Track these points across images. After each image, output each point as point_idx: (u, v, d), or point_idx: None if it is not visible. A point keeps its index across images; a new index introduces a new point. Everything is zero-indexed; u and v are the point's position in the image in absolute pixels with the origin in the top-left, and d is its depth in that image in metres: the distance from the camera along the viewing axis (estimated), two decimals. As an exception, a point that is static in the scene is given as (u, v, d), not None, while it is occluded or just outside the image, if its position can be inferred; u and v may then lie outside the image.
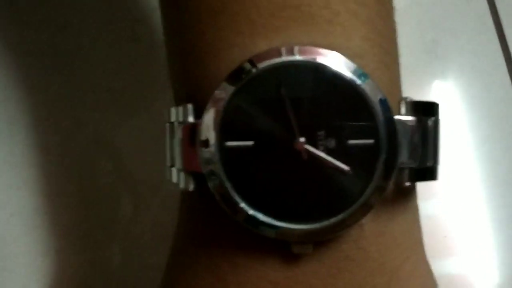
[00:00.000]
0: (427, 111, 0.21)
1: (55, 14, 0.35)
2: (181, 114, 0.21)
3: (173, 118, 0.22)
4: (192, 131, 0.20)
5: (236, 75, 0.20)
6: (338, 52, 0.20)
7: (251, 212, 0.20)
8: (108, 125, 0.34)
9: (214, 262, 0.21)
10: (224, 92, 0.20)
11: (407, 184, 0.20)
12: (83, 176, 0.33)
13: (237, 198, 0.20)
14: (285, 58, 0.20)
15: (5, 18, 0.34)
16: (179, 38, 0.22)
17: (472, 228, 0.34)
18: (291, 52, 0.20)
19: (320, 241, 0.20)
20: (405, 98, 0.20)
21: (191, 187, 0.20)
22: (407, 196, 0.22)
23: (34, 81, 0.34)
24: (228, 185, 0.20)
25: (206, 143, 0.20)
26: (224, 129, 0.20)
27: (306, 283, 0.20)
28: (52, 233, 0.32)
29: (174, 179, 0.22)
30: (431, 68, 0.37)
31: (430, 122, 0.21)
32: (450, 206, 0.34)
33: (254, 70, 0.20)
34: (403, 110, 0.20)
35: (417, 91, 0.36)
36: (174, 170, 0.22)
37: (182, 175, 0.21)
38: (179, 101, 0.22)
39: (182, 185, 0.21)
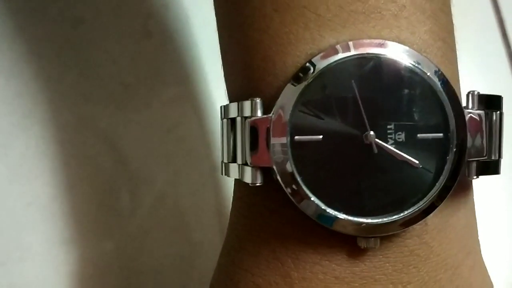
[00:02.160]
0: (493, 104, 0.21)
1: (70, 10, 0.35)
2: (247, 109, 0.20)
3: (233, 114, 0.21)
4: (261, 126, 0.20)
5: (304, 72, 0.20)
6: (404, 45, 0.20)
7: (320, 205, 0.19)
8: (116, 119, 0.35)
9: (277, 258, 0.21)
10: (293, 88, 0.20)
11: (474, 177, 0.20)
12: (90, 169, 0.34)
13: (307, 191, 0.20)
14: (351, 53, 0.19)
15: (21, 13, 0.34)
16: (240, 35, 0.21)
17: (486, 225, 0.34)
18: (358, 47, 0.20)
19: (385, 236, 0.20)
20: (473, 92, 0.21)
21: (259, 181, 0.20)
22: (467, 191, 0.22)
23: (49, 75, 0.34)
24: (298, 178, 0.20)
25: (278, 138, 0.19)
26: (294, 124, 0.20)
27: (371, 278, 0.20)
28: (68, 222, 0.33)
29: (234, 174, 0.21)
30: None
31: (495, 115, 0.21)
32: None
33: (321, 67, 0.19)
34: (470, 103, 0.20)
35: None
36: (234, 166, 0.21)
37: (247, 169, 0.20)
38: (240, 97, 0.21)
39: (247, 179, 0.20)
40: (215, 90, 0.36)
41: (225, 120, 0.22)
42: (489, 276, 0.23)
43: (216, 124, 0.36)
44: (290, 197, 0.20)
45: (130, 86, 0.35)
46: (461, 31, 0.38)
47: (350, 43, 0.20)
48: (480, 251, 0.23)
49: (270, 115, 0.20)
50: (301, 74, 0.20)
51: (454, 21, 0.38)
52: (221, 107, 0.23)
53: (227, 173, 0.22)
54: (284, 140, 0.20)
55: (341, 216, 0.20)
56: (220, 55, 0.23)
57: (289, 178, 0.20)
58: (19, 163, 0.33)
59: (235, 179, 0.23)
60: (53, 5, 0.34)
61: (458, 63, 0.22)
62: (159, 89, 0.35)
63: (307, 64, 0.20)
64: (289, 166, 0.20)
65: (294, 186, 0.20)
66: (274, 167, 0.20)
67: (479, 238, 0.23)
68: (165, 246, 0.33)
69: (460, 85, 0.22)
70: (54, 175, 0.33)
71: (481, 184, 0.25)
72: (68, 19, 0.35)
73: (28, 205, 0.32)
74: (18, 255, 0.31)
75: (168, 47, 0.36)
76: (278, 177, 0.20)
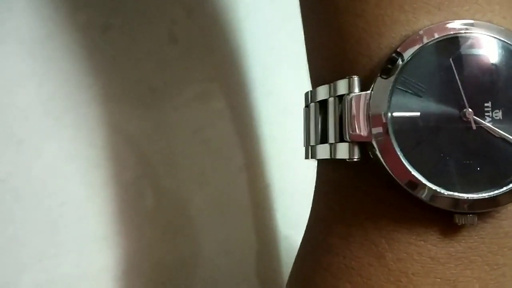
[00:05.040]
0: None
1: (98, 17, 0.36)
2: (343, 87, 0.21)
3: (323, 96, 0.22)
4: (361, 101, 0.20)
5: (400, 53, 0.20)
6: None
7: (420, 179, 0.19)
8: (144, 121, 0.36)
9: (370, 239, 0.20)
10: (390, 68, 0.20)
11: None
12: (119, 169, 0.35)
13: (407, 165, 0.19)
14: (447, 32, 0.20)
15: (52, 21, 0.35)
16: (332, 19, 0.22)
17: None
18: (453, 27, 0.20)
19: (482, 213, 0.20)
20: None
21: (356, 156, 0.20)
22: None
23: (79, 80, 0.35)
24: (398, 152, 0.20)
25: (378, 113, 0.19)
26: (393, 101, 0.20)
27: (466, 259, 0.20)
28: (100, 221, 0.34)
29: (325, 155, 0.22)
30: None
31: None
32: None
33: (420, 45, 0.20)
34: None
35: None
36: (323, 146, 0.22)
37: (343, 146, 0.20)
38: (330, 80, 0.22)
39: (343, 155, 0.20)
40: (241, 93, 0.37)
41: (312, 104, 0.22)
42: None
43: (240, 126, 0.36)
44: (389, 170, 0.20)
45: (157, 90, 0.36)
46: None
47: (445, 24, 0.20)
48: None
49: (369, 91, 0.20)
50: (397, 55, 0.20)
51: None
52: (306, 93, 0.23)
53: (314, 156, 0.22)
54: (385, 115, 0.19)
55: (440, 191, 0.19)
56: (305, 41, 0.24)
57: (388, 152, 0.20)
58: (52, 164, 0.34)
59: (320, 165, 0.23)
60: (81, 13, 0.36)
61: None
62: (185, 92, 0.36)
63: (404, 44, 0.20)
64: (389, 141, 0.19)
65: (393, 161, 0.19)
66: (374, 142, 0.20)
67: None
68: (192, 244, 0.34)
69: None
70: (86, 175, 0.34)
71: None
72: (96, 26, 0.36)
73: (62, 204, 0.33)
74: (53, 252, 0.32)
75: (193, 52, 0.37)
76: (377, 152, 0.20)
